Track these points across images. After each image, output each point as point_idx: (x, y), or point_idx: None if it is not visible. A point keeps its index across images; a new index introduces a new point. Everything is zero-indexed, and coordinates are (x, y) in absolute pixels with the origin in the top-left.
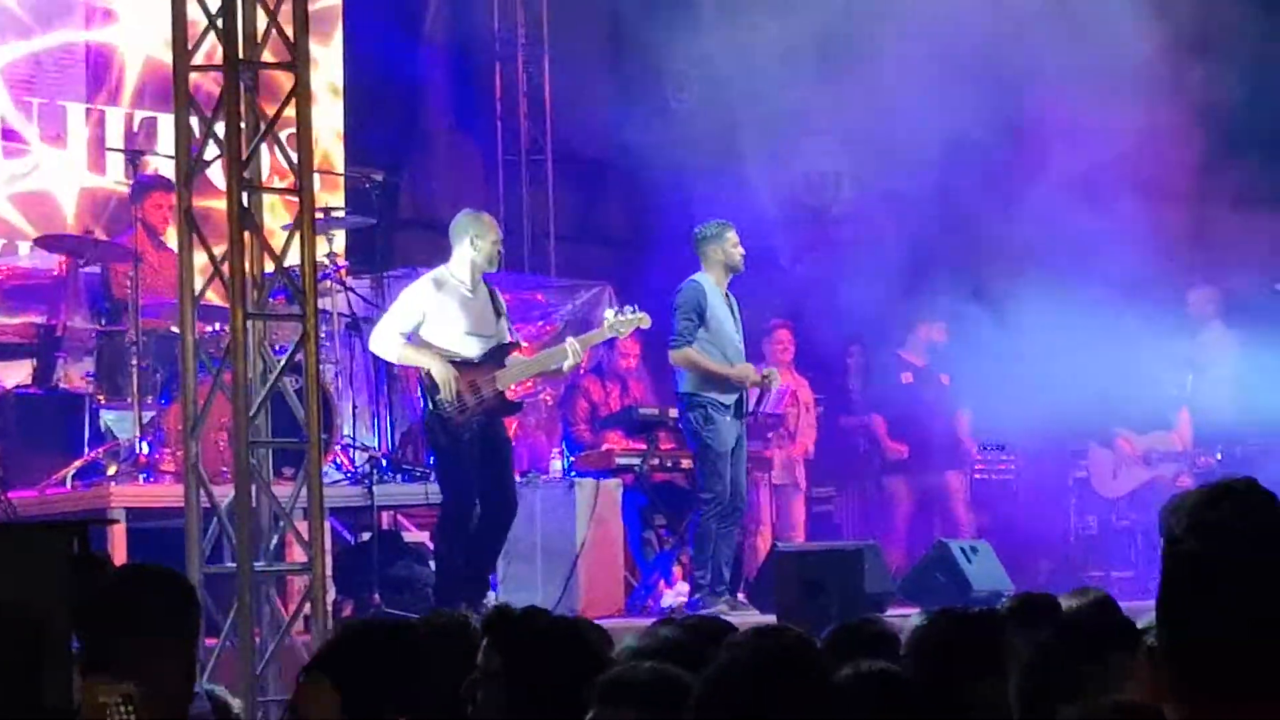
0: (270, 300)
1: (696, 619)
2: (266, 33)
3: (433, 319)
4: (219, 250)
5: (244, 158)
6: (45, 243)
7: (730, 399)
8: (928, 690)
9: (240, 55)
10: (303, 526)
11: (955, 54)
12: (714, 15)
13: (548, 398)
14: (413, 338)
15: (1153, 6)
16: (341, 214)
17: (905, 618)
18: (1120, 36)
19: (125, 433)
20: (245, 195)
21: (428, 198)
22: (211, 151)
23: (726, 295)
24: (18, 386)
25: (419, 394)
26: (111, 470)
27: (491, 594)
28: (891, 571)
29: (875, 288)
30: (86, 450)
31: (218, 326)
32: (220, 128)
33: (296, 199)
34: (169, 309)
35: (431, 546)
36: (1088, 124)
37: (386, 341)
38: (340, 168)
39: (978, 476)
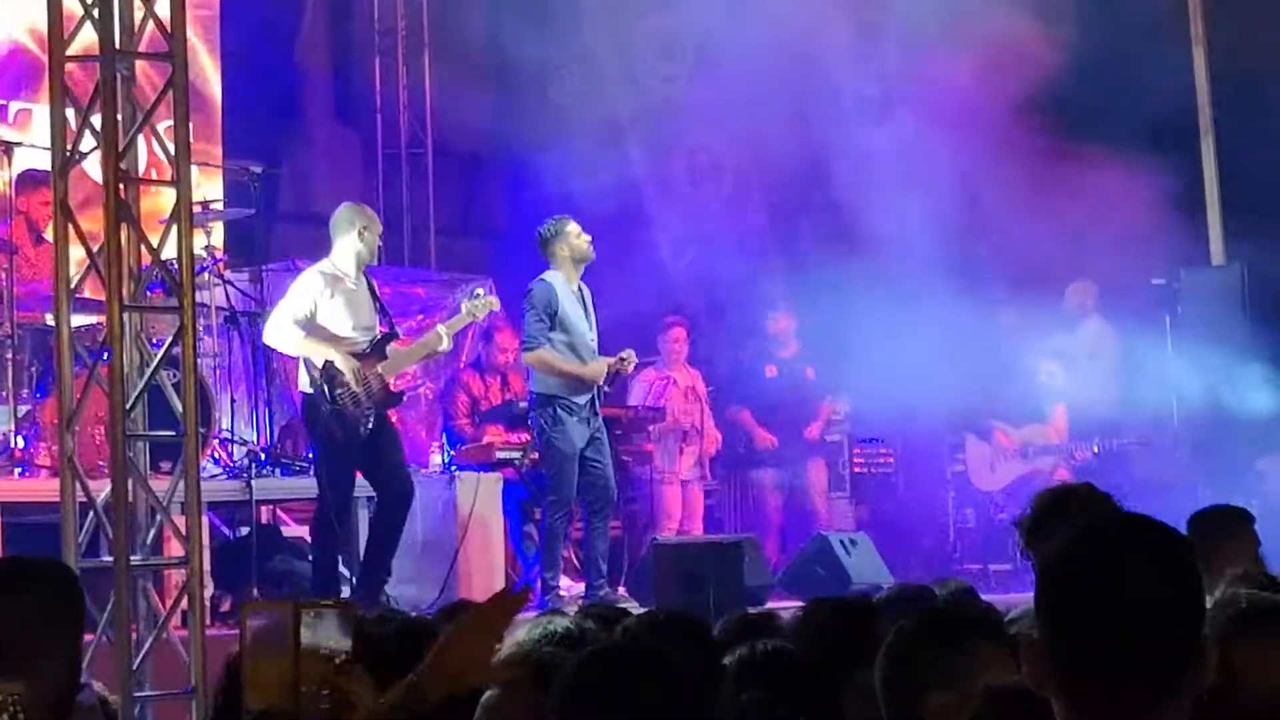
0: (147, 294)
1: (594, 608)
2: (144, 23)
3: (322, 311)
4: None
5: (120, 149)
6: None
7: (583, 399)
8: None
9: (117, 45)
10: (180, 521)
11: (825, 46)
12: (592, 9)
13: (428, 391)
14: (307, 328)
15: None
16: (220, 206)
17: (787, 610)
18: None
19: (0, 427)
20: (122, 187)
21: (307, 191)
22: (88, 143)
23: (580, 288)
24: None
25: (312, 388)
26: None
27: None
28: (771, 565)
29: (752, 279)
30: None
31: (94, 320)
32: (97, 119)
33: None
34: (44, 301)
35: (310, 540)
36: (965, 117)
37: (284, 333)
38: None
39: (856, 470)
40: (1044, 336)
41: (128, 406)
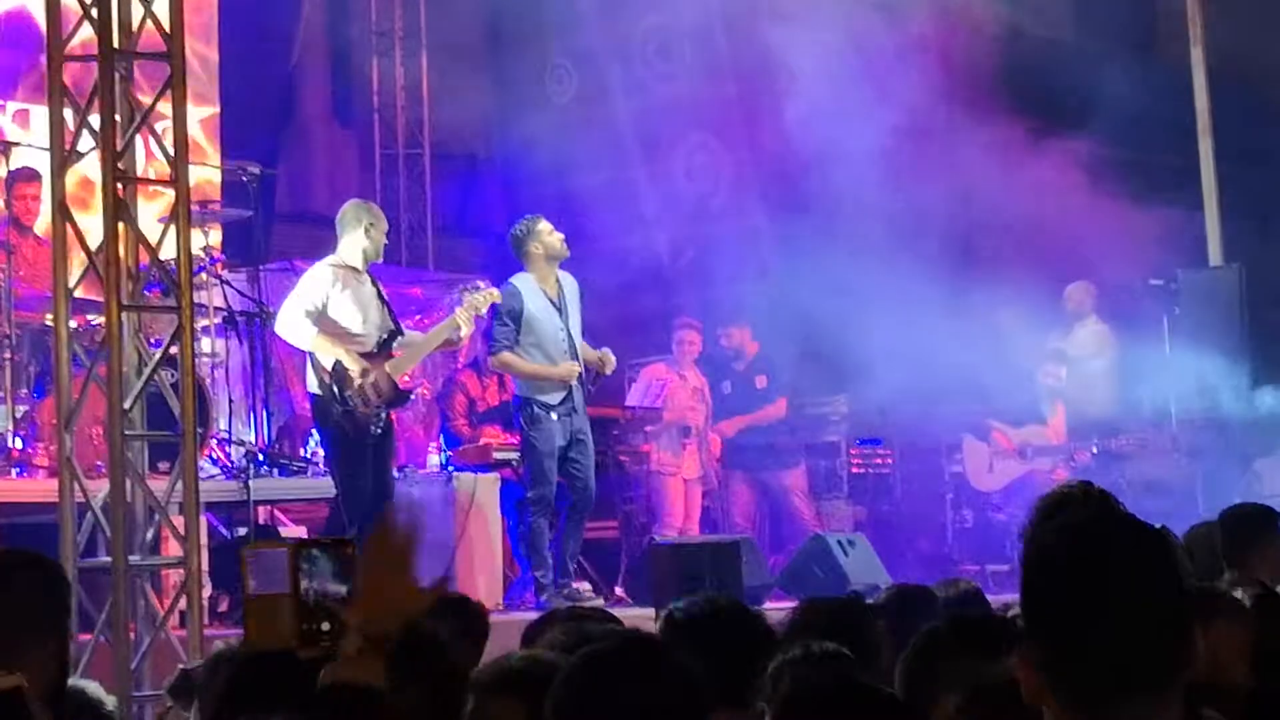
0: (145, 294)
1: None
2: (142, 23)
3: (333, 305)
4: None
5: (119, 149)
6: None
7: (556, 398)
8: None
9: (115, 45)
10: (178, 521)
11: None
12: (589, 8)
13: (425, 392)
14: (319, 323)
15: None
16: (218, 207)
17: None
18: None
19: None
20: (120, 187)
21: (305, 191)
22: (86, 143)
23: (558, 283)
24: None
25: (321, 390)
26: None
27: None
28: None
29: (753, 281)
30: None
31: (92, 320)
32: (95, 119)
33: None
34: (42, 302)
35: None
36: (963, 119)
37: (297, 326)
38: (216, 160)
39: (855, 471)
40: (1042, 337)
41: (126, 406)
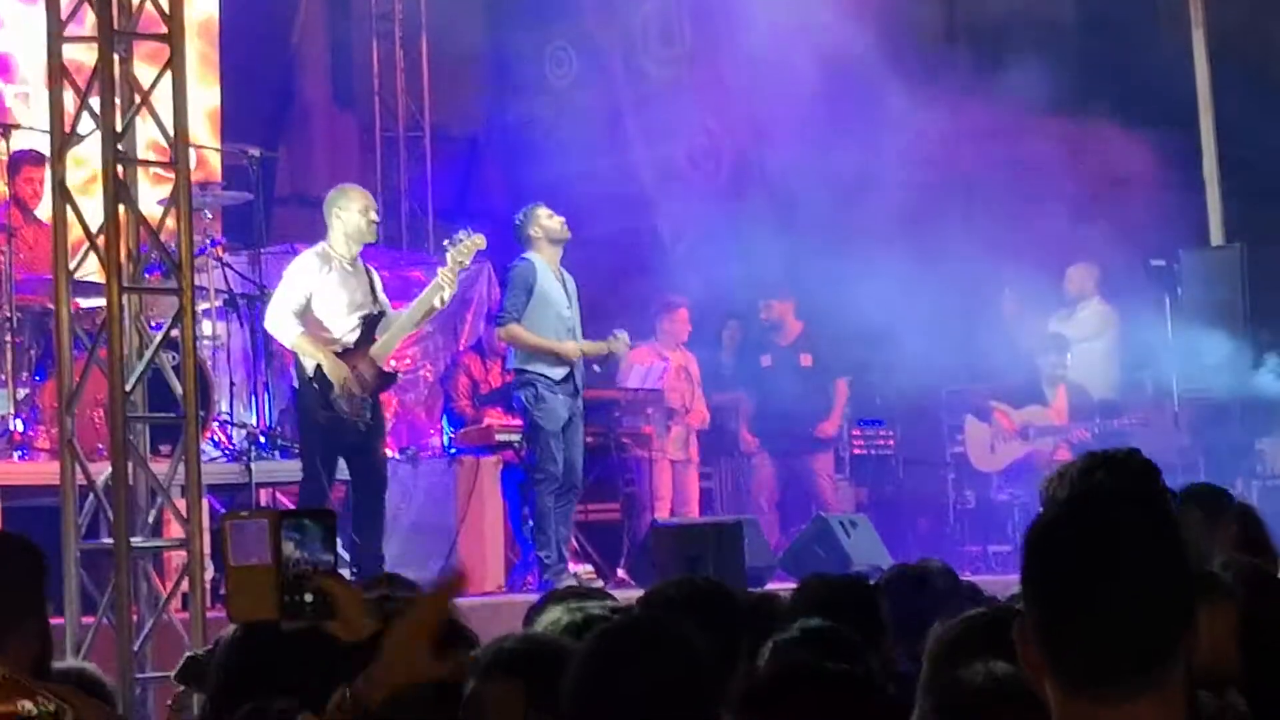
0: (146, 276)
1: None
2: (141, 4)
3: (318, 295)
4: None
5: (119, 130)
6: None
7: (560, 373)
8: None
9: (115, 26)
10: (180, 503)
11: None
12: None
13: (428, 374)
14: (304, 318)
15: None
16: (219, 190)
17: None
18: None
19: None
20: (120, 168)
21: (305, 174)
22: (86, 126)
23: (560, 271)
24: None
25: (302, 386)
26: None
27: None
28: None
29: (753, 262)
30: None
31: (93, 302)
32: (95, 101)
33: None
34: (43, 284)
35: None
36: (963, 98)
37: (282, 324)
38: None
39: (856, 452)
40: (1045, 318)
41: (127, 389)
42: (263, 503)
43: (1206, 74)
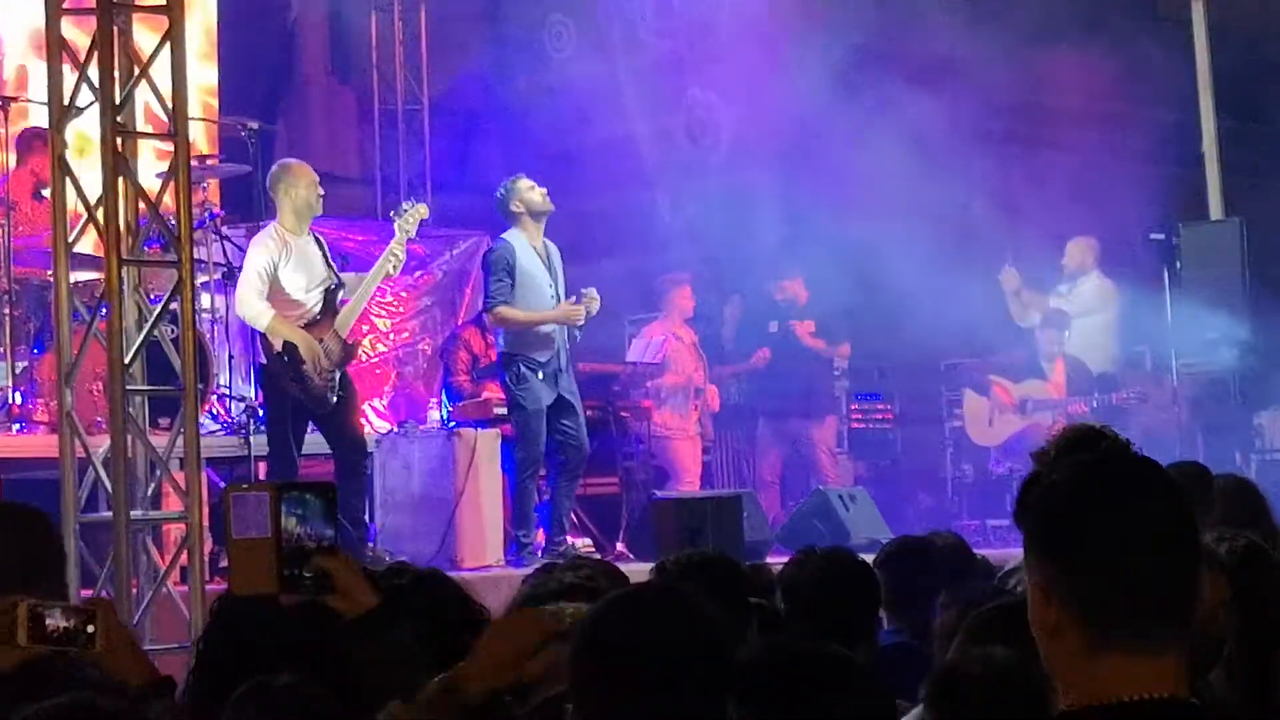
0: (145, 249)
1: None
2: None
3: (280, 273)
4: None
5: (118, 102)
6: None
7: (545, 355)
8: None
9: None
10: (179, 476)
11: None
12: None
13: (427, 347)
14: (272, 299)
15: None
16: (216, 162)
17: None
18: None
19: None
20: (119, 141)
21: (304, 147)
22: (85, 98)
23: (544, 244)
24: None
25: (270, 361)
26: None
27: (370, 545)
28: (769, 520)
29: (755, 237)
30: None
31: (92, 275)
32: (94, 73)
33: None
34: (42, 257)
35: None
36: (959, 75)
37: (253, 309)
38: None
39: (855, 426)
40: (1044, 292)
41: (126, 361)
42: (261, 475)
43: (1206, 48)
